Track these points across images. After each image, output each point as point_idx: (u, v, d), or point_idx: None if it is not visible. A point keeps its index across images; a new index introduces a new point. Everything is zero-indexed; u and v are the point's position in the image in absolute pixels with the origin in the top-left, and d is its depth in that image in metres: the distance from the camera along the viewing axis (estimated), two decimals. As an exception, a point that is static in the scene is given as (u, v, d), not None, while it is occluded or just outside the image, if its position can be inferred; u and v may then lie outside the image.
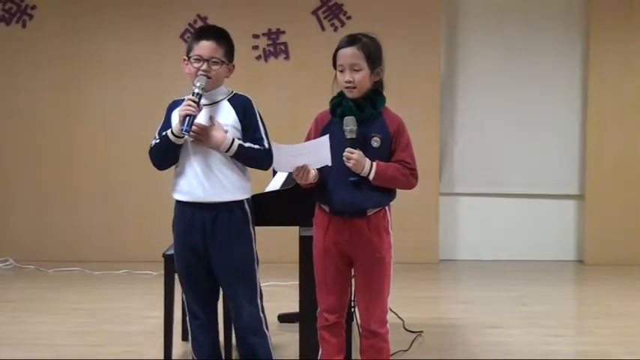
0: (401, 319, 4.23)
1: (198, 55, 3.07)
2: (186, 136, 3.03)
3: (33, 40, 6.33)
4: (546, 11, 6.40)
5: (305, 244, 3.32)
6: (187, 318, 3.25)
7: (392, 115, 3.08)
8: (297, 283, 3.45)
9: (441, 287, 5.79)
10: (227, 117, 3.11)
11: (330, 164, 2.91)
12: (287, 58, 6.30)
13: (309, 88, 5.97)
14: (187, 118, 2.96)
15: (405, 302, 4.71)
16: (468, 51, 6.45)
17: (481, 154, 6.47)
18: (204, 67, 3.06)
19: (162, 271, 3.74)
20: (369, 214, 3.01)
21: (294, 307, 3.73)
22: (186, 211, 3.12)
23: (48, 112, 6.36)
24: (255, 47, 6.28)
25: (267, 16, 6.26)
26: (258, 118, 3.18)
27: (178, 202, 3.15)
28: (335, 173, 2.97)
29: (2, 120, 6.37)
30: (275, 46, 6.31)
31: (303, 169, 2.93)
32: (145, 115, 6.25)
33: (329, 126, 3.06)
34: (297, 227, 3.44)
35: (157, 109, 6.25)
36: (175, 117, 3.08)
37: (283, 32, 6.30)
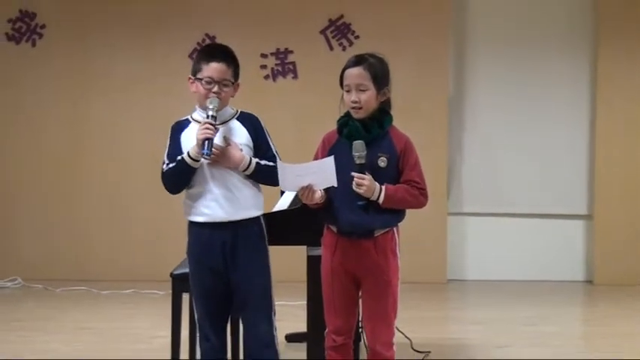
0: (408, 339, 4.23)
1: (209, 77, 3.09)
2: (202, 159, 3.04)
3: (42, 58, 6.39)
4: (555, 32, 6.43)
5: (313, 263, 3.34)
6: (198, 339, 3.25)
7: (399, 133, 3.10)
8: (305, 302, 3.46)
9: (449, 307, 5.78)
10: (240, 136, 3.14)
11: (335, 185, 2.93)
12: (295, 77, 6.34)
13: (318, 107, 6.00)
14: (207, 141, 2.98)
15: (413, 322, 4.71)
16: (475, 71, 6.48)
17: (489, 173, 6.48)
18: (216, 89, 3.09)
19: (170, 291, 3.76)
20: (376, 235, 3.02)
21: (301, 327, 3.74)
22: (204, 232, 3.13)
23: (56, 131, 6.41)
24: (264, 67, 6.32)
25: (276, 36, 6.31)
26: (268, 135, 3.22)
27: (194, 223, 3.16)
28: (342, 194, 2.98)
29: (11, 138, 6.43)
30: (283, 66, 6.35)
31: (309, 189, 2.95)
32: (154, 134, 6.21)
33: (336, 146, 3.08)
34: (305, 247, 3.46)
35: (166, 127, 6.30)
36: (187, 140, 3.11)
37: (291, 52, 6.35)
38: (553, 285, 6.34)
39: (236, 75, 3.17)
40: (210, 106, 3.05)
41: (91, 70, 6.39)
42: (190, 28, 6.34)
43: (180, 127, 3.21)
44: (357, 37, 6.32)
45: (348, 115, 3.09)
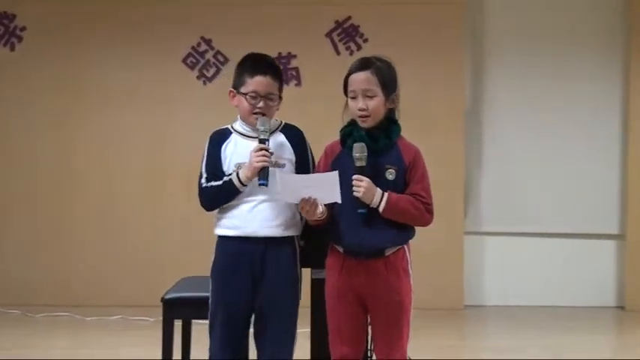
0: (422, 370, 4.20)
1: (255, 92, 3.15)
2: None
3: (23, 64, 6.38)
4: (581, 35, 6.42)
5: (317, 287, 3.32)
6: None
7: (408, 144, 3.10)
8: (309, 330, 3.44)
9: (465, 335, 5.75)
10: (283, 151, 3.20)
11: (339, 201, 2.93)
12: (299, 84, 6.35)
13: (323, 116, 5.92)
14: (263, 170, 3.03)
15: (427, 352, 4.67)
16: (495, 78, 6.47)
17: (510, 189, 6.45)
18: (261, 104, 3.15)
19: (161, 318, 3.73)
20: (387, 254, 3.01)
21: (304, 356, 3.71)
22: (233, 245, 3.17)
23: (41, 145, 6.39)
24: (264, 72, 6.33)
25: (277, 39, 6.31)
26: (311, 153, 3.28)
27: (223, 238, 3.21)
28: (348, 211, 2.97)
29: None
30: (286, 72, 6.36)
31: (310, 203, 2.94)
32: (148, 147, 6.32)
33: (339, 158, 3.08)
34: (309, 269, 3.45)
35: (161, 137, 6.35)
36: (230, 153, 3.18)
37: (294, 56, 6.36)
38: (581, 311, 6.30)
39: (281, 88, 3.24)
40: (262, 128, 3.10)
41: (77, 76, 6.39)
42: (185, 31, 6.36)
43: (220, 138, 3.26)
44: (365, 41, 6.32)
45: (352, 124, 3.08)
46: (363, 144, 2.97)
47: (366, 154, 2.95)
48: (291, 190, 2.98)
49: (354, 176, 2.94)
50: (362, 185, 2.93)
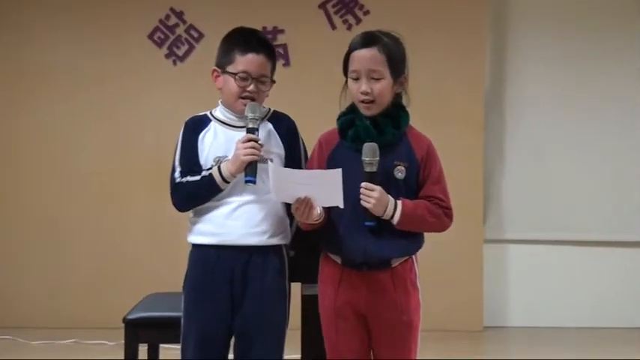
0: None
1: (245, 72, 3.16)
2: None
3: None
4: (617, 12, 6.45)
5: (309, 305, 3.33)
6: None
7: (419, 136, 3.10)
8: (299, 357, 3.45)
9: (485, 363, 5.78)
10: (271, 143, 3.21)
11: (341, 206, 2.93)
12: (287, 64, 6.34)
13: (316, 102, 5.98)
14: (250, 165, 3.04)
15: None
16: (519, 57, 6.48)
17: (537, 189, 6.47)
18: (252, 87, 3.17)
19: (122, 341, 3.73)
20: (393, 265, 3.02)
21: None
22: (210, 255, 3.18)
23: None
24: (246, 50, 6.33)
25: (261, 11, 6.31)
26: (302, 149, 3.29)
27: (197, 246, 3.22)
28: (349, 214, 2.98)
29: None
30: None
31: (305, 204, 2.95)
32: (107, 138, 6.31)
33: (337, 152, 3.08)
34: (299, 284, 3.46)
35: (122, 127, 6.33)
36: (208, 145, 3.19)
37: (282, 31, 6.36)
38: (620, 333, 6.33)
39: (274, 70, 3.26)
40: (251, 116, 3.11)
41: (18, 57, 6.38)
42: (151, 1, 6.37)
43: (197, 126, 3.27)
44: (366, 13, 6.33)
45: (352, 111, 3.08)
46: (375, 145, 2.95)
47: (378, 158, 2.94)
48: (285, 187, 2.98)
49: (364, 184, 2.93)
50: (373, 196, 2.92)
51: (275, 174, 2.98)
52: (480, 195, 6.36)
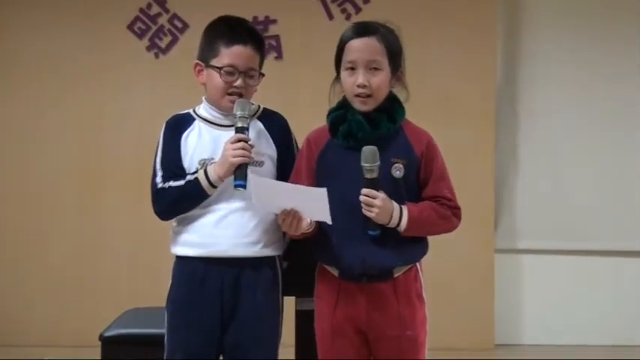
0: None
1: (232, 66, 3.15)
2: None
3: None
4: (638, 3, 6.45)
5: (303, 321, 3.33)
6: None
7: (416, 129, 3.11)
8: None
9: (497, 384, 5.77)
10: (262, 144, 3.20)
11: (329, 222, 2.91)
12: (279, 57, 6.34)
13: (311, 99, 5.97)
14: (240, 168, 3.03)
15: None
16: (533, 51, 6.48)
17: (554, 194, 6.46)
18: (239, 82, 3.16)
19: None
20: (396, 275, 3.01)
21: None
22: (196, 268, 3.16)
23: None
24: (235, 42, 6.32)
25: (253, 1, 6.30)
26: (296, 149, 3.29)
27: (182, 259, 3.20)
28: (344, 222, 2.97)
29: None
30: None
31: (292, 216, 2.94)
32: (83, 138, 6.29)
33: (328, 151, 3.08)
34: (293, 298, 3.45)
35: (99, 126, 6.31)
36: (192, 146, 3.18)
37: (274, 21, 6.35)
38: (644, 352, 6.33)
39: (262, 62, 3.26)
40: (240, 113, 3.09)
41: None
42: (130, -12, 6.36)
43: (180, 126, 3.26)
44: (367, 2, 6.32)
45: (343, 105, 3.08)
46: (375, 149, 2.93)
47: (378, 162, 2.92)
48: (268, 197, 2.98)
49: (364, 191, 2.92)
50: (376, 205, 2.91)
51: (256, 185, 2.97)
52: (491, 201, 6.35)
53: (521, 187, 6.51)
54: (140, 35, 6.34)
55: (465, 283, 6.18)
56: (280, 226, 3.02)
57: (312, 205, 2.92)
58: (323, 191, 2.86)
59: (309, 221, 2.98)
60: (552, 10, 6.47)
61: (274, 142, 3.22)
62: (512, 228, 6.50)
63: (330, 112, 3.12)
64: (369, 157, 2.92)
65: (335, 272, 3.06)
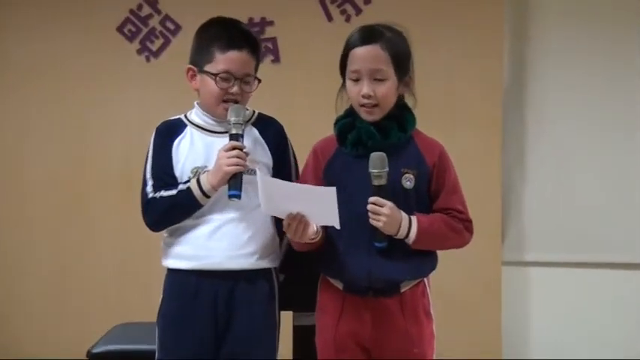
0: None
1: (228, 72, 3.16)
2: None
3: None
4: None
5: (301, 337, 3.32)
6: None
7: (427, 140, 3.12)
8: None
9: (504, 403, 5.76)
10: (257, 151, 3.22)
11: (337, 226, 2.92)
12: (276, 60, 6.34)
13: (309, 103, 5.99)
14: (235, 177, 3.04)
15: None
16: (543, 50, 6.47)
17: (565, 203, 6.45)
18: (235, 88, 3.17)
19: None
20: (403, 289, 3.01)
21: None
22: (189, 281, 3.17)
23: None
24: (230, 45, 6.33)
25: (248, 1, 6.30)
26: (292, 158, 3.32)
27: (174, 272, 3.21)
28: (350, 232, 2.97)
29: None
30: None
31: (298, 220, 2.93)
32: (69, 145, 6.29)
33: (336, 161, 3.09)
34: (290, 313, 3.45)
35: (86, 133, 6.30)
36: (184, 153, 3.20)
37: (270, 23, 6.35)
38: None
39: (257, 67, 3.28)
40: (234, 120, 3.10)
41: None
42: (120, -11, 6.36)
43: (171, 132, 3.27)
44: (368, 2, 6.32)
45: (350, 113, 3.08)
46: (383, 154, 2.94)
47: (387, 169, 2.93)
48: (275, 200, 2.97)
49: (372, 199, 2.92)
50: (383, 213, 2.91)
51: (263, 185, 2.95)
52: (498, 209, 6.34)
53: (530, 195, 6.50)
54: (130, 37, 6.34)
55: (470, 296, 6.17)
56: (286, 231, 3.01)
57: (320, 206, 2.92)
58: (332, 190, 2.86)
59: (315, 229, 2.97)
60: (562, 10, 6.45)
61: (270, 149, 3.23)
62: (520, 239, 6.49)
63: (338, 121, 3.12)
64: (378, 162, 2.93)
65: (339, 285, 3.06)
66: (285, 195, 2.95)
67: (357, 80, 3.02)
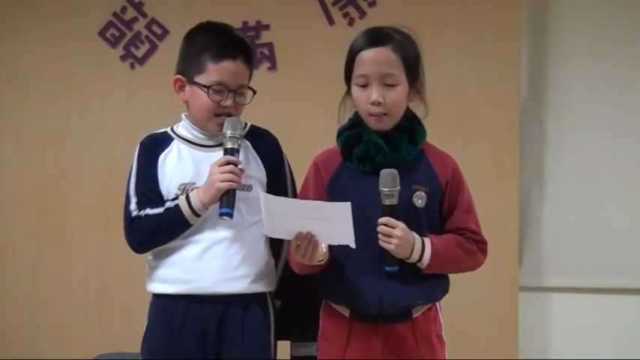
0: None
1: (221, 84, 3.17)
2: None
3: None
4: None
5: (301, 369, 3.33)
6: None
7: (440, 154, 3.13)
8: None
9: None
10: (250, 166, 3.23)
11: (353, 245, 2.91)
12: (272, 67, 6.35)
13: (307, 115, 6.00)
14: (227, 194, 3.05)
15: None
16: (563, 60, 6.48)
17: (587, 223, 6.46)
18: (229, 102, 3.19)
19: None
20: (415, 315, 3.02)
21: None
22: (176, 307, 3.18)
23: None
24: (223, 51, 6.34)
25: (241, 3, 6.33)
26: (288, 173, 3.34)
27: (160, 297, 3.22)
28: (358, 253, 2.97)
29: None
30: (254, 49, 6.35)
31: (308, 240, 2.92)
32: (46, 159, 6.29)
33: (340, 177, 3.10)
34: (288, 342, 3.45)
35: (65, 146, 6.30)
36: (170, 168, 3.21)
37: (266, 27, 6.37)
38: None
39: (251, 76, 3.30)
40: (230, 133, 3.11)
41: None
42: (103, -10, 6.38)
43: (156, 146, 3.29)
44: (372, 5, 6.34)
45: (356, 124, 3.08)
46: (395, 172, 2.94)
47: (398, 187, 2.93)
48: (281, 220, 2.95)
49: (382, 219, 2.93)
50: (395, 235, 2.91)
51: (268, 205, 2.94)
52: (515, 230, 6.34)
53: (549, 215, 6.49)
54: (113, 43, 6.35)
55: (485, 324, 6.16)
56: (293, 253, 3.00)
57: (333, 224, 2.91)
58: (347, 206, 2.85)
59: (323, 250, 2.97)
60: (585, 12, 6.47)
61: (263, 164, 3.24)
62: (539, 263, 6.49)
63: (342, 132, 3.11)
64: (389, 181, 2.93)
65: (345, 312, 3.06)
66: (293, 213, 2.93)
67: (364, 86, 3.01)
